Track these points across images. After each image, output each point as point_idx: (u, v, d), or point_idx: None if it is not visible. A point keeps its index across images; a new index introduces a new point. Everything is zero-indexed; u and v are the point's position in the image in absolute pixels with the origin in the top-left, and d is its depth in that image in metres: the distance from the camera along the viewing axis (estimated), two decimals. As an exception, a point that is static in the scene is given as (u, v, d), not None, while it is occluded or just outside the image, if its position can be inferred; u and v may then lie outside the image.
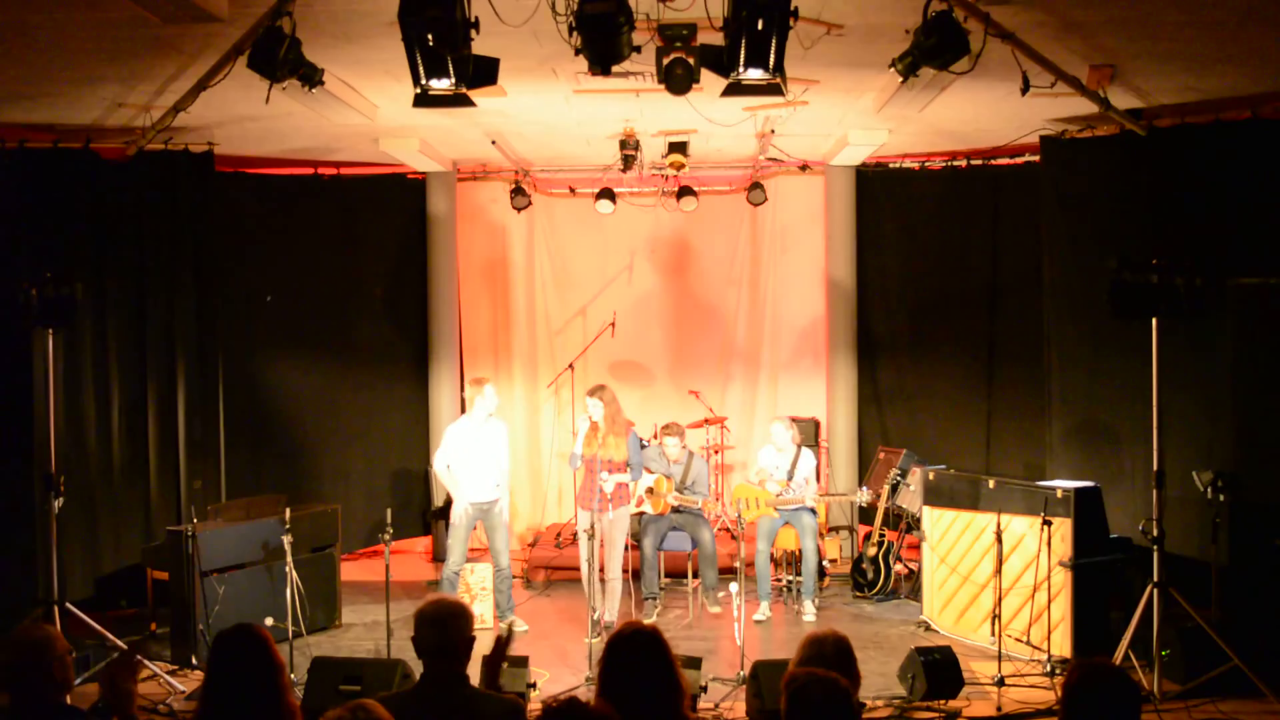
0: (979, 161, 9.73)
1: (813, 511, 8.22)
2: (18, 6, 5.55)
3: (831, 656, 3.46)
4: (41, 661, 3.42)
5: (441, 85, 5.22)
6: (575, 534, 8.85)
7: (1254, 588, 6.89)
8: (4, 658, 3.45)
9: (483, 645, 3.90)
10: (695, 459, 8.26)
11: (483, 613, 7.83)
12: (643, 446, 8.29)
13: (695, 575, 8.35)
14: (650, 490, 8.11)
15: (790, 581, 8.59)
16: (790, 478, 8.11)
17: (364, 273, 10.08)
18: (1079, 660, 3.14)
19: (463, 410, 10.46)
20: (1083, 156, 8.14)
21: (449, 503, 9.29)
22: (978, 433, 9.84)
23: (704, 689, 6.22)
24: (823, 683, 2.99)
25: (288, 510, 6.83)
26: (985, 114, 8.05)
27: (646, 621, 7.62)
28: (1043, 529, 6.64)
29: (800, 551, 8.22)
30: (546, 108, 7.88)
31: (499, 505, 7.79)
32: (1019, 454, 9.31)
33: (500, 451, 7.80)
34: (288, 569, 6.65)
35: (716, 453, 10.09)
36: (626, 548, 7.97)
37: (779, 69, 5.14)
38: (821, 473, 9.97)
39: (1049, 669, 6.58)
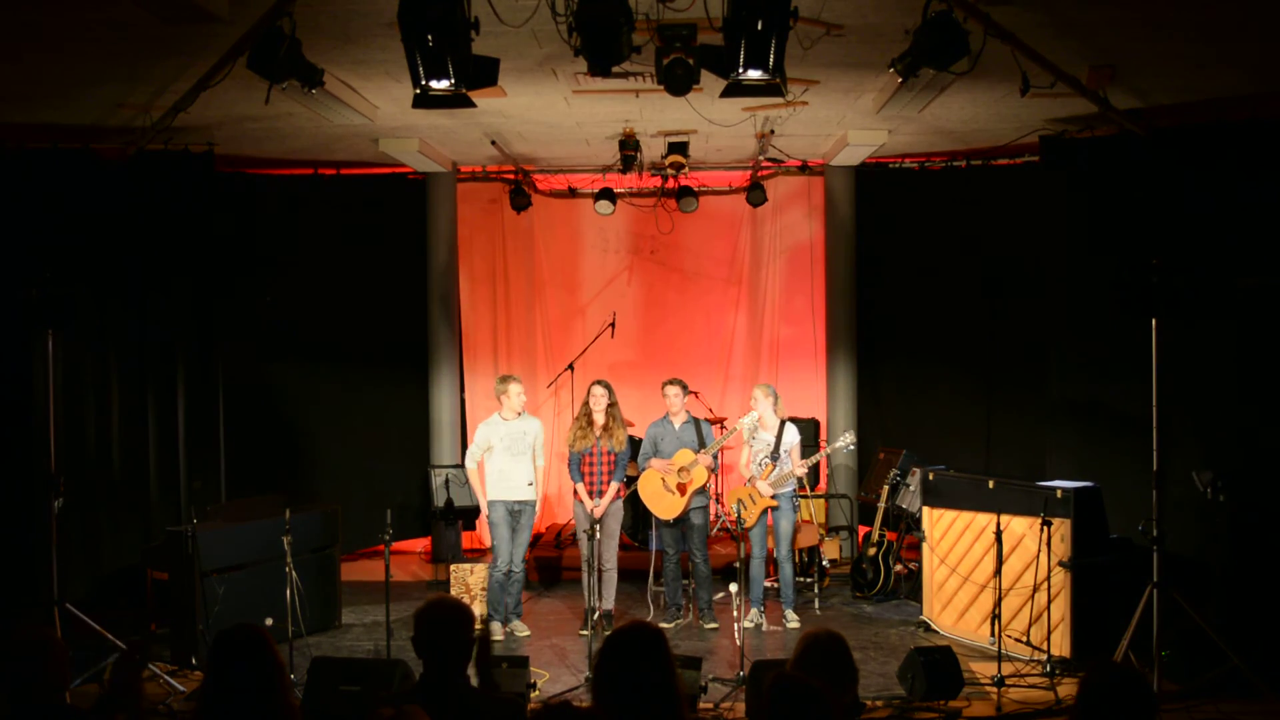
0: (979, 161, 9.73)
1: (794, 504, 8.05)
2: (18, 7, 5.55)
3: (827, 655, 3.47)
4: (37, 661, 3.42)
5: (441, 85, 5.21)
6: (574, 534, 8.88)
7: (1254, 588, 6.90)
8: (2, 656, 3.44)
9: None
10: (702, 423, 8.06)
11: (482, 613, 7.83)
12: (628, 482, 8.29)
13: (689, 576, 8.33)
14: (681, 469, 7.81)
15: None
16: (775, 458, 7.91)
17: (363, 273, 10.07)
18: (1099, 661, 3.14)
19: (463, 410, 10.52)
20: (1083, 156, 8.13)
21: (449, 503, 9.32)
22: (978, 433, 9.84)
23: (704, 689, 6.22)
24: (799, 686, 3.00)
25: (287, 510, 6.82)
26: (985, 114, 8.05)
27: (665, 625, 7.71)
28: (1042, 529, 6.64)
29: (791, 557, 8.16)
30: (546, 108, 7.87)
31: (530, 507, 7.77)
32: (1019, 454, 9.31)
33: (532, 450, 7.75)
34: (288, 569, 6.65)
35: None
36: (624, 545, 8.07)
37: (778, 69, 5.14)
38: (822, 473, 9.97)
39: (1049, 669, 6.57)
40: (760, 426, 8.00)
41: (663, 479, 7.87)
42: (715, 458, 7.95)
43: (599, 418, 7.80)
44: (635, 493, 8.13)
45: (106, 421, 8.46)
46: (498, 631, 7.68)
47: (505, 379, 7.90)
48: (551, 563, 9.59)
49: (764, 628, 7.92)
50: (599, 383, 7.93)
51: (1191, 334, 7.19)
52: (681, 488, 7.83)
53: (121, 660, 3.47)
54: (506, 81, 6.56)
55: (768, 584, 8.26)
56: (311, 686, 5.90)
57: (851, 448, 8.58)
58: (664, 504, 7.88)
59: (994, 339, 9.76)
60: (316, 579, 7.69)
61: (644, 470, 7.98)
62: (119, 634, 6.75)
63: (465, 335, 10.72)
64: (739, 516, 7.59)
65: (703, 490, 7.95)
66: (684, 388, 8.06)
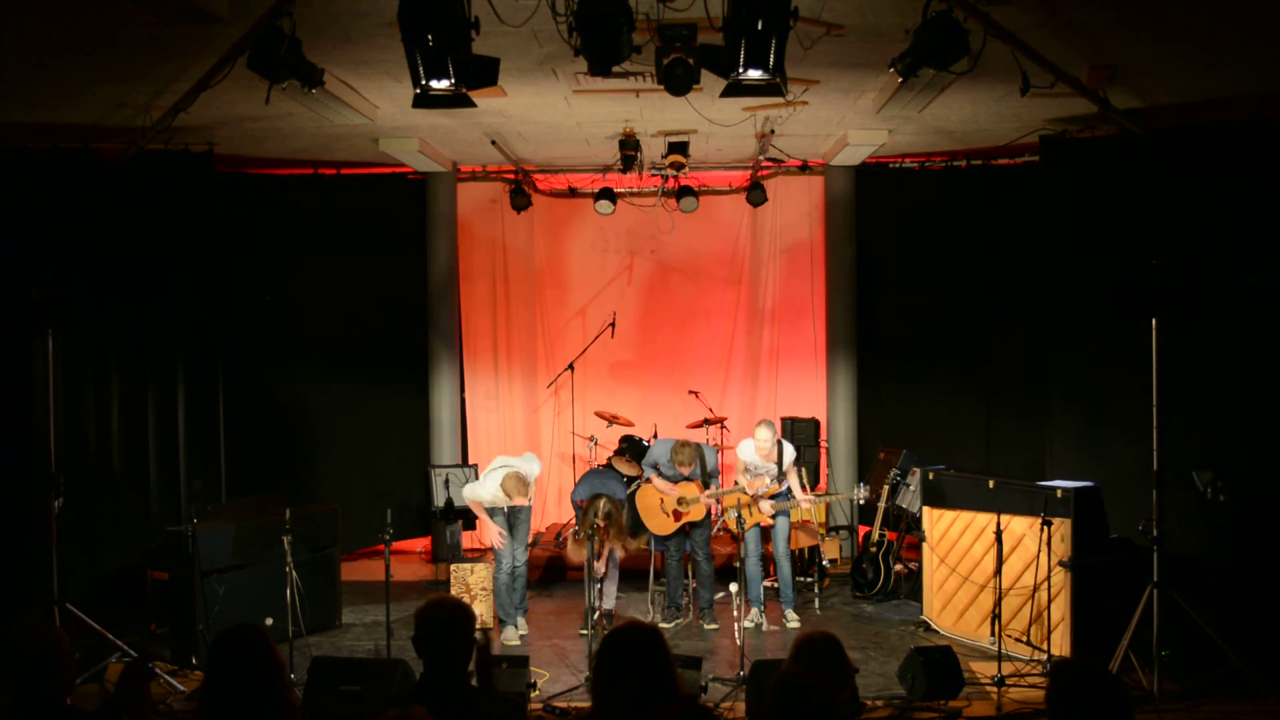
0: (979, 161, 9.73)
1: (786, 511, 8.03)
2: (18, 7, 5.55)
3: (822, 655, 3.49)
4: (46, 660, 3.41)
5: (441, 85, 5.21)
6: (575, 533, 8.86)
7: (1254, 588, 6.90)
8: (8, 654, 3.43)
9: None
10: (705, 450, 7.97)
11: (483, 613, 7.83)
12: (628, 482, 8.29)
13: (691, 575, 8.33)
14: (682, 500, 7.84)
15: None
16: (780, 479, 7.88)
17: (363, 273, 10.07)
18: (1061, 661, 3.13)
19: (463, 410, 10.51)
20: (1082, 157, 8.13)
21: (449, 503, 9.32)
22: (978, 433, 9.84)
23: (704, 689, 6.23)
24: (804, 684, 3.00)
25: (288, 510, 6.83)
26: (985, 114, 8.05)
27: (665, 625, 7.71)
28: (1042, 529, 6.64)
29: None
30: (546, 108, 7.88)
31: (526, 508, 7.78)
32: (1019, 454, 9.31)
33: (532, 463, 7.77)
34: (288, 569, 6.65)
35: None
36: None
37: (779, 69, 5.14)
38: (822, 473, 9.98)
39: (1049, 669, 6.57)
40: (764, 457, 7.89)
41: (661, 499, 7.89)
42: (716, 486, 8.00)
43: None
44: (634, 494, 8.13)
45: (106, 422, 8.46)
46: (512, 636, 7.66)
47: (515, 480, 7.39)
48: (551, 562, 9.59)
49: (764, 628, 7.92)
50: (605, 521, 7.23)
51: (1191, 334, 7.19)
52: (677, 514, 7.87)
53: (131, 666, 3.46)
54: (506, 81, 6.56)
55: (767, 584, 8.26)
56: (311, 686, 5.90)
57: (861, 502, 8.60)
58: (657, 522, 7.92)
59: (994, 339, 9.77)
60: (316, 579, 7.68)
61: (646, 478, 7.99)
62: (119, 634, 6.76)
63: (465, 335, 10.71)
64: (739, 518, 7.58)
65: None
66: (693, 462, 7.73)
